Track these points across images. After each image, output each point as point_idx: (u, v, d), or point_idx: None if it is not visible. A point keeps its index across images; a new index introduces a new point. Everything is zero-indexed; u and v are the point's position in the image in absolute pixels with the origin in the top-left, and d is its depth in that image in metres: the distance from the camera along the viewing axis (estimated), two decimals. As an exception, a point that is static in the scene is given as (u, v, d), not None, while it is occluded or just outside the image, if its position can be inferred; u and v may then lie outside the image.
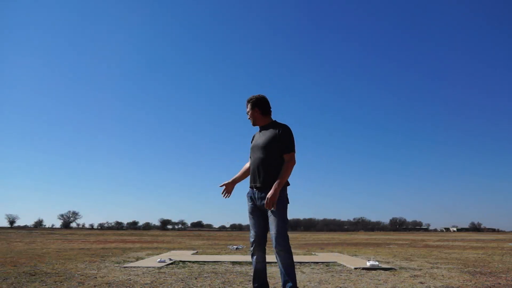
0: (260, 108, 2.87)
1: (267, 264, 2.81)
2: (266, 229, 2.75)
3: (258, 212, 2.76)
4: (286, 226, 2.64)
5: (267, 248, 2.79)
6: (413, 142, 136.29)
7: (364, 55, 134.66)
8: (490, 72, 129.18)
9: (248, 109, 2.91)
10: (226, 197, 2.99)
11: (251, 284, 3.29)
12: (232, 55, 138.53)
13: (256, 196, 2.73)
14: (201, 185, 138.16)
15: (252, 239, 2.75)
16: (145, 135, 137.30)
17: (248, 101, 2.90)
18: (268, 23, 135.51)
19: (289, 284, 2.57)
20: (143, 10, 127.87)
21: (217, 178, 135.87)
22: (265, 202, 2.60)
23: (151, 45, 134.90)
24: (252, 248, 2.74)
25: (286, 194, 2.72)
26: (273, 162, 2.70)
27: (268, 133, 2.79)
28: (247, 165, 3.03)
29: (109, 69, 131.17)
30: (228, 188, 2.99)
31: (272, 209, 2.60)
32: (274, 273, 4.34)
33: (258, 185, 2.72)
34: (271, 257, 3.22)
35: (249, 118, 2.93)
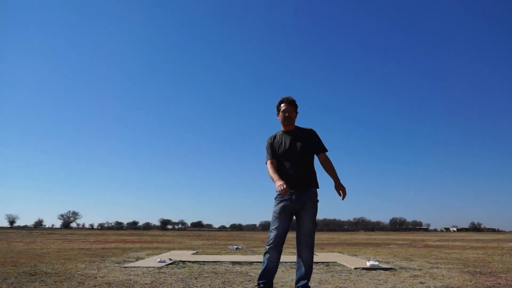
0: (297, 111, 3.00)
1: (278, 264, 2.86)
2: (287, 231, 2.82)
3: (287, 215, 2.80)
4: (316, 227, 2.83)
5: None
6: (413, 142, 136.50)
7: (364, 55, 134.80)
8: (490, 72, 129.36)
9: (288, 108, 2.92)
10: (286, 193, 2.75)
11: (255, 282, 3.29)
12: (232, 55, 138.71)
13: (294, 198, 2.77)
14: (201, 185, 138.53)
15: (272, 239, 2.75)
16: (145, 135, 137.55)
17: (291, 102, 2.93)
18: (268, 23, 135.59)
19: (303, 282, 2.70)
20: (143, 10, 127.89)
21: (217, 178, 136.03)
22: (342, 195, 2.81)
23: (151, 45, 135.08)
24: (269, 247, 2.75)
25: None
26: (311, 164, 2.89)
27: (300, 137, 2.88)
28: (274, 165, 2.88)
29: (109, 69, 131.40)
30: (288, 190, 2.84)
31: (310, 209, 2.78)
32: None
33: (299, 187, 2.78)
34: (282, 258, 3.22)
35: (285, 117, 2.90)
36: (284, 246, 2.88)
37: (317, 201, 2.84)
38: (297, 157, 2.81)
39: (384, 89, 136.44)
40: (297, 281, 2.73)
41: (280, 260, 2.89)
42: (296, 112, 2.97)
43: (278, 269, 4.84)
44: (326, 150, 2.94)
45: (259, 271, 2.80)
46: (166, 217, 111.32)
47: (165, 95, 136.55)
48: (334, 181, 2.86)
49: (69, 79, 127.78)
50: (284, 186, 2.61)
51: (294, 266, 4.87)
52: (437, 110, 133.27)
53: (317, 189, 2.89)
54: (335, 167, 2.89)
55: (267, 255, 2.75)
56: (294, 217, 2.88)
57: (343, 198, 2.83)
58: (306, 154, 2.85)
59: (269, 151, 2.95)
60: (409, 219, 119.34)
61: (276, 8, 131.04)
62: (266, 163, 2.93)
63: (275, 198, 2.86)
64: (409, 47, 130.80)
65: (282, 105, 2.92)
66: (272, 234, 2.76)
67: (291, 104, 2.91)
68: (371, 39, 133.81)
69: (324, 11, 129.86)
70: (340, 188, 2.82)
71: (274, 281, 3.80)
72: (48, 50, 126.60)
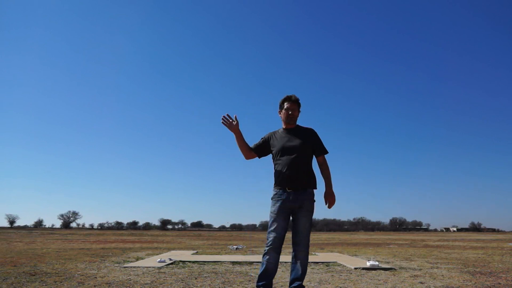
0: (300, 110, 2.98)
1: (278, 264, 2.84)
2: (286, 232, 2.79)
3: (285, 215, 2.76)
4: (311, 228, 2.85)
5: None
6: (413, 142, 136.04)
7: (364, 55, 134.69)
8: (490, 72, 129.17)
9: (292, 107, 2.91)
10: (224, 120, 2.96)
11: (255, 283, 3.29)
12: (232, 54, 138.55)
13: (291, 198, 2.74)
14: (201, 185, 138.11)
15: (271, 240, 2.71)
16: (145, 135, 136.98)
17: (296, 101, 2.93)
18: (269, 23, 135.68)
19: (298, 283, 2.68)
20: (144, 10, 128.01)
21: (217, 178, 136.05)
22: (329, 204, 2.82)
23: (152, 45, 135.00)
24: (268, 248, 2.71)
25: None
26: (309, 164, 2.86)
27: (301, 136, 2.86)
28: (251, 146, 3.02)
29: (109, 69, 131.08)
30: (234, 124, 2.97)
31: (307, 209, 2.76)
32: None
33: (297, 187, 2.76)
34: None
35: (288, 115, 2.90)
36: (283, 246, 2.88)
37: (314, 201, 2.83)
38: (296, 156, 2.79)
39: (385, 89, 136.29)
40: (292, 281, 2.69)
41: (280, 260, 2.89)
42: (299, 111, 2.96)
43: (278, 269, 4.84)
44: (326, 152, 2.92)
45: (258, 273, 2.76)
46: (166, 217, 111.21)
47: (165, 95, 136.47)
48: (326, 187, 2.85)
49: (69, 79, 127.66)
50: (225, 115, 2.90)
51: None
52: (437, 110, 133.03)
53: (315, 190, 2.86)
54: (331, 173, 2.88)
55: (266, 257, 2.70)
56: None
57: (329, 207, 2.81)
58: (306, 153, 2.82)
59: (259, 141, 3.00)
60: (409, 219, 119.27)
61: (277, 8, 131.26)
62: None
63: (272, 198, 2.83)
64: (409, 47, 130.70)
65: (286, 103, 2.91)
66: (271, 236, 2.71)
67: (295, 103, 2.91)
68: (371, 39, 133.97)
69: (325, 11, 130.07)
70: (329, 197, 2.82)
71: (274, 281, 3.81)
72: (48, 49, 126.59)
